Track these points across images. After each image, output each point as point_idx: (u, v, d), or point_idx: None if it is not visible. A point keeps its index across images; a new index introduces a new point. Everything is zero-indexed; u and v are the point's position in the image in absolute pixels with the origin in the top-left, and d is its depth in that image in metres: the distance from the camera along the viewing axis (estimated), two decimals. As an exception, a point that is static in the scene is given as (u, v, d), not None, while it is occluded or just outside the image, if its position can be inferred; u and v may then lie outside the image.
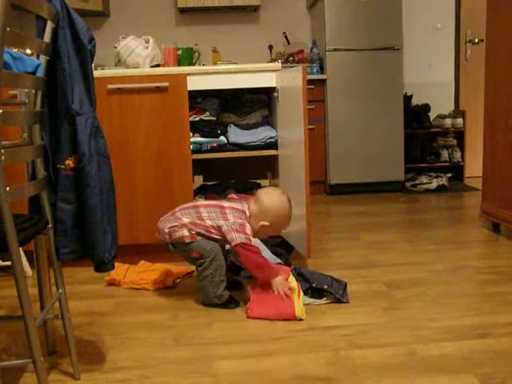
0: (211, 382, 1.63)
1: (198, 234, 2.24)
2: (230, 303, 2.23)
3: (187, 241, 2.23)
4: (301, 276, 2.30)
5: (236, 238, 2.15)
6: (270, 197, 2.28)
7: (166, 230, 2.27)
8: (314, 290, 2.24)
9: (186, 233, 2.24)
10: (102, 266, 1.63)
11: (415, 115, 4.99)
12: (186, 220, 2.25)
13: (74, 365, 1.67)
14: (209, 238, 2.25)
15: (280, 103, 2.85)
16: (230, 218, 2.23)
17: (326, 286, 2.22)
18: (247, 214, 2.26)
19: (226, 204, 2.30)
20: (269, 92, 3.06)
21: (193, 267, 2.59)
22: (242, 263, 2.28)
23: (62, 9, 1.53)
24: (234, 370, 1.70)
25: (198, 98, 3.01)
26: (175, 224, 2.26)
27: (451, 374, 1.62)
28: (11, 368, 1.73)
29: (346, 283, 2.29)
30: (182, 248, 2.27)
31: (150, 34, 3.31)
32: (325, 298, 2.22)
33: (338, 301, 2.20)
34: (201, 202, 2.45)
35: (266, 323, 2.05)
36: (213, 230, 2.24)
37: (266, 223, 2.25)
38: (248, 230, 2.19)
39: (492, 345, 1.80)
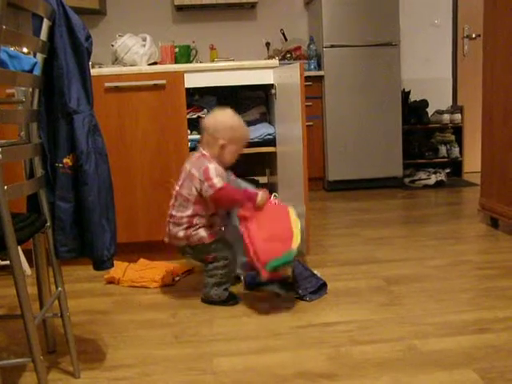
0: (212, 379, 1.64)
1: (207, 223, 2.21)
2: (230, 300, 2.23)
3: (207, 242, 2.21)
4: None
5: (206, 191, 2.15)
6: (210, 117, 2.27)
7: (181, 235, 2.22)
8: (282, 282, 2.27)
9: (203, 233, 2.20)
10: (101, 265, 1.63)
11: (413, 111, 4.99)
12: (188, 213, 2.19)
13: (73, 363, 1.67)
14: (213, 216, 2.23)
15: (278, 100, 2.85)
16: (196, 173, 2.19)
17: (290, 280, 2.25)
18: (204, 153, 2.23)
19: (188, 165, 2.25)
20: (266, 89, 3.06)
21: (192, 265, 2.60)
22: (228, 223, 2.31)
23: (59, 7, 1.52)
24: (234, 367, 1.70)
25: (196, 96, 3.01)
26: (186, 226, 2.20)
27: (451, 369, 1.62)
28: (11, 367, 1.73)
29: (323, 283, 2.28)
30: (201, 250, 2.23)
31: (147, 31, 3.31)
32: (293, 292, 2.24)
33: (302, 297, 2.21)
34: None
35: (265, 320, 2.05)
36: (199, 204, 2.19)
37: (223, 141, 2.21)
38: (212, 172, 2.16)
39: (491, 339, 1.80)
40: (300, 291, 2.23)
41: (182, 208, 2.22)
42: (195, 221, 2.20)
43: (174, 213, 2.24)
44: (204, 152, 2.25)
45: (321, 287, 2.27)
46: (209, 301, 2.23)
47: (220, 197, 2.16)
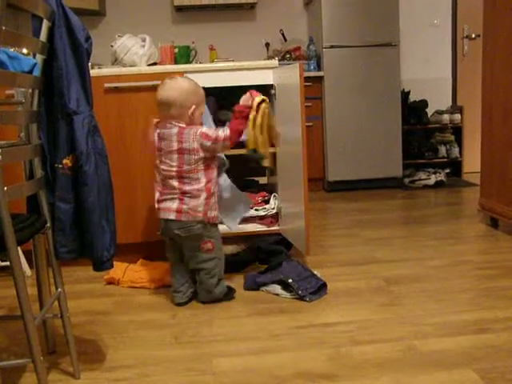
0: (211, 380, 1.64)
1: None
2: (230, 292, 2.28)
3: (217, 221, 2.25)
4: (278, 267, 2.39)
5: (223, 147, 2.18)
6: (168, 91, 2.15)
7: (201, 209, 2.16)
8: (282, 282, 2.30)
9: (215, 212, 2.22)
10: (101, 265, 1.63)
11: (413, 111, 4.99)
12: (204, 182, 2.17)
13: (73, 364, 1.67)
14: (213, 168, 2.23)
15: (277, 100, 2.84)
16: (193, 145, 2.15)
17: (290, 280, 2.26)
18: (181, 125, 2.16)
19: (169, 144, 2.18)
20: (266, 89, 3.06)
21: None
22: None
23: (58, 8, 1.53)
24: (234, 368, 1.70)
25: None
26: (206, 195, 2.17)
27: (451, 369, 1.63)
28: (11, 368, 1.73)
29: (323, 283, 2.29)
30: (200, 236, 2.19)
31: (147, 32, 3.31)
32: (293, 293, 2.24)
33: (302, 297, 2.22)
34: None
35: (265, 320, 2.05)
36: (207, 170, 2.19)
37: (192, 106, 2.16)
38: (209, 132, 2.16)
39: (491, 340, 1.80)
40: (300, 292, 2.23)
41: (194, 181, 2.16)
42: (212, 188, 2.20)
43: (187, 188, 2.15)
44: (180, 124, 2.16)
45: (321, 287, 2.27)
46: (214, 301, 2.24)
47: (234, 137, 2.16)
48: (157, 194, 2.24)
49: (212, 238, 2.23)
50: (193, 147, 2.14)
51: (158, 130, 2.21)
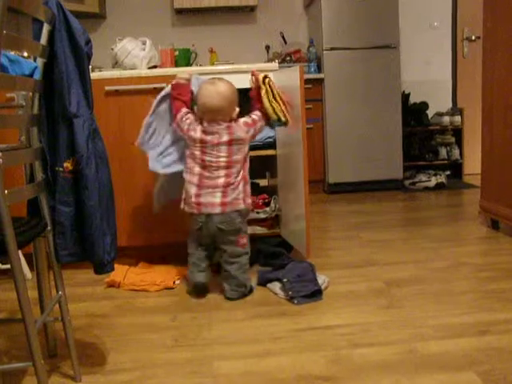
0: (212, 383, 1.64)
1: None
2: (252, 290, 2.39)
3: (251, 208, 2.47)
4: (279, 268, 2.44)
5: (261, 126, 2.40)
6: (214, 99, 2.30)
7: (241, 196, 2.31)
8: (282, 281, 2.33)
9: (249, 200, 2.37)
10: (102, 268, 1.63)
11: (413, 113, 5.00)
12: (241, 173, 2.34)
13: (74, 367, 1.67)
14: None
15: (278, 103, 2.84)
16: (241, 135, 2.32)
17: (285, 280, 2.29)
18: (229, 124, 2.32)
19: (216, 138, 2.31)
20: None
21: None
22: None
23: (59, 11, 1.53)
24: (234, 371, 1.70)
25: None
26: (244, 183, 2.34)
27: (452, 372, 1.62)
28: (12, 371, 1.73)
29: (319, 289, 2.27)
30: (244, 228, 2.35)
31: (147, 35, 3.31)
32: (290, 293, 2.26)
33: (291, 298, 2.24)
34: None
35: (266, 323, 2.05)
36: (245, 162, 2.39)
37: (236, 109, 2.36)
38: (247, 120, 2.35)
39: (492, 342, 1.80)
40: (290, 292, 2.24)
41: (238, 172, 2.31)
42: (247, 176, 2.37)
43: (232, 180, 2.27)
44: (228, 124, 2.31)
45: (314, 293, 2.26)
46: (242, 297, 2.32)
47: (263, 115, 2.37)
48: (193, 189, 2.28)
49: (246, 233, 2.39)
50: (241, 137, 2.31)
51: (205, 124, 2.31)
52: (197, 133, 2.31)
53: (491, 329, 1.90)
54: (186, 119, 2.35)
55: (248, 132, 2.33)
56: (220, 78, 2.39)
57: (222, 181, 2.26)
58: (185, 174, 2.34)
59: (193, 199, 2.27)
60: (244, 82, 2.77)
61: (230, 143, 2.28)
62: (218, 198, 2.24)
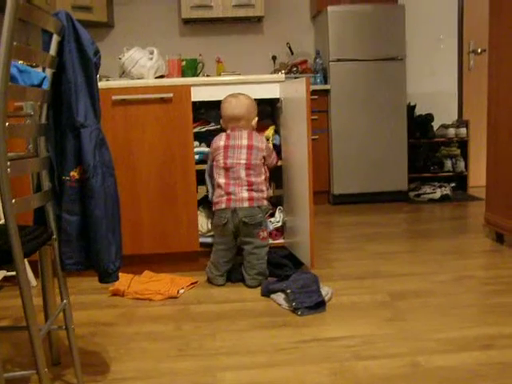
0: (215, 393, 1.64)
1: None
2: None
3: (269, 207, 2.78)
4: (283, 279, 2.45)
5: (272, 162, 2.84)
6: (236, 108, 2.70)
7: (264, 196, 2.67)
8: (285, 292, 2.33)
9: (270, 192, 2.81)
10: (107, 277, 1.64)
11: (419, 125, 5.00)
12: (263, 177, 2.69)
13: (77, 376, 1.68)
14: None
15: (284, 114, 2.86)
16: (259, 145, 2.69)
17: (289, 291, 2.29)
18: (248, 130, 2.71)
19: (239, 141, 2.67)
20: (272, 103, 3.08)
21: (197, 277, 2.61)
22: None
23: (68, 22, 1.55)
24: (238, 381, 1.70)
25: (202, 109, 3.02)
26: (266, 187, 2.70)
27: (455, 386, 1.62)
28: (15, 379, 1.73)
29: (322, 300, 2.27)
30: (259, 223, 2.59)
31: (155, 44, 3.34)
32: (294, 304, 2.26)
33: (295, 309, 2.23)
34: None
35: (269, 334, 2.05)
36: (264, 167, 2.75)
37: (255, 118, 2.77)
38: (271, 147, 2.83)
39: (496, 356, 1.80)
40: (294, 303, 2.24)
41: (258, 174, 2.64)
42: (267, 181, 2.71)
43: (253, 179, 2.61)
44: (249, 131, 2.70)
45: (318, 305, 2.26)
46: (260, 284, 2.54)
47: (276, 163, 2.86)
48: (222, 189, 2.60)
49: (267, 228, 2.72)
50: (260, 146, 2.67)
51: (228, 131, 2.71)
52: (221, 141, 2.68)
53: (495, 343, 1.90)
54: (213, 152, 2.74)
55: (263, 143, 2.70)
56: (239, 92, 2.75)
57: (245, 179, 2.59)
58: (213, 181, 2.70)
59: (224, 196, 2.59)
60: (250, 93, 2.81)
61: (249, 147, 2.63)
62: (245, 194, 2.57)
